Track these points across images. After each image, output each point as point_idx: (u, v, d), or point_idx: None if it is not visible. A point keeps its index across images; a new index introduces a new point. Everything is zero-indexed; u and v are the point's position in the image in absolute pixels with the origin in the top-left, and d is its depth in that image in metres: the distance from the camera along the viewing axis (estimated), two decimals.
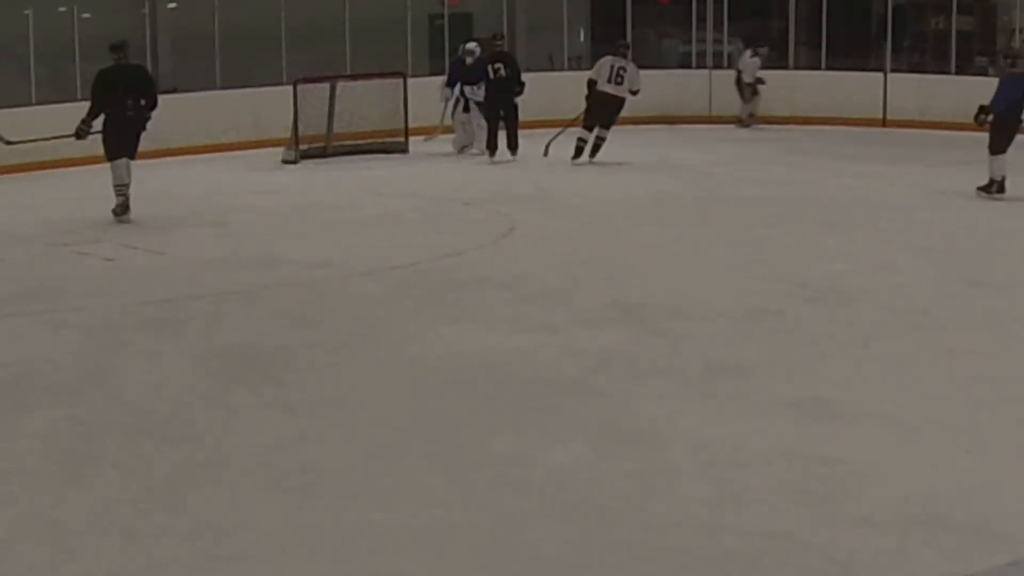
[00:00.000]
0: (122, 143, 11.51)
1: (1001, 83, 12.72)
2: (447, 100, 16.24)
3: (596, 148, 15.04)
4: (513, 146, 15.49)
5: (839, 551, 4.64)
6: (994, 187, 12.28)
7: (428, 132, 16.56)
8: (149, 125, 11.65)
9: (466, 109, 16.01)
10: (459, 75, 16.18)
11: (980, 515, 4.92)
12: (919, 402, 6.31)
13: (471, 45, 16.39)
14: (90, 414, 6.38)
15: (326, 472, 5.52)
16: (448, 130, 16.50)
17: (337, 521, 4.99)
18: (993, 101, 12.41)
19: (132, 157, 11.61)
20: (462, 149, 16.07)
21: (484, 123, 15.84)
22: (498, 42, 16.31)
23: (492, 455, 5.68)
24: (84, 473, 5.56)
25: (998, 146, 12.29)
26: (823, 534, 4.78)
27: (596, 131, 14.97)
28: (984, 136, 12.47)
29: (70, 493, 5.33)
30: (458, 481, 5.37)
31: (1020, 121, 12.50)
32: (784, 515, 4.97)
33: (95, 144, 14.38)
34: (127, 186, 11.52)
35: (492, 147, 15.41)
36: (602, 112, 14.94)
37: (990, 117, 12.37)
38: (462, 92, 16.02)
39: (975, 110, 12.47)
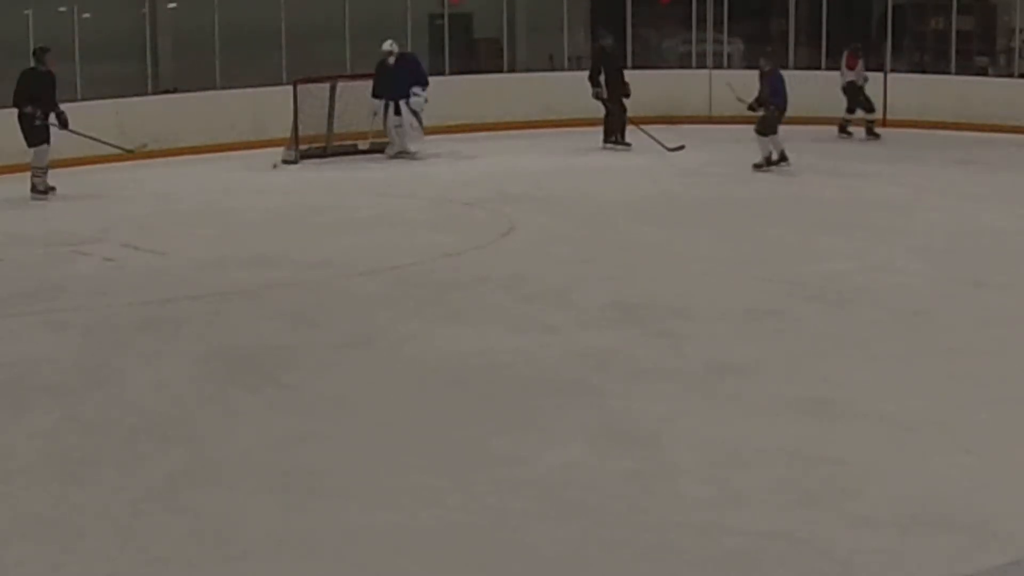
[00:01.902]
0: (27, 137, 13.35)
1: (771, 79, 14.77)
2: (375, 114, 15.86)
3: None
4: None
5: (839, 551, 4.64)
6: (766, 163, 14.24)
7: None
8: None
9: (397, 112, 15.76)
10: (383, 81, 15.75)
11: (980, 515, 4.92)
12: (919, 402, 6.31)
13: (388, 45, 15.86)
14: (90, 414, 6.39)
15: (326, 472, 5.52)
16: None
17: (337, 521, 4.99)
18: (776, 96, 14.53)
19: (35, 145, 13.24)
20: (397, 155, 15.79)
21: (417, 124, 15.65)
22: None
23: (492, 455, 5.68)
24: (84, 473, 5.56)
25: (769, 129, 14.36)
26: (823, 534, 4.78)
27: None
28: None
29: (70, 493, 5.33)
30: (458, 481, 5.37)
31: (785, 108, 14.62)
32: (784, 515, 4.97)
33: (95, 144, 14.44)
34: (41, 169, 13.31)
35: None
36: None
37: (761, 110, 14.49)
38: (389, 100, 15.71)
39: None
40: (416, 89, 15.66)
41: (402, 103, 15.66)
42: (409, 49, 17.00)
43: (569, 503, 5.13)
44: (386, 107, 15.77)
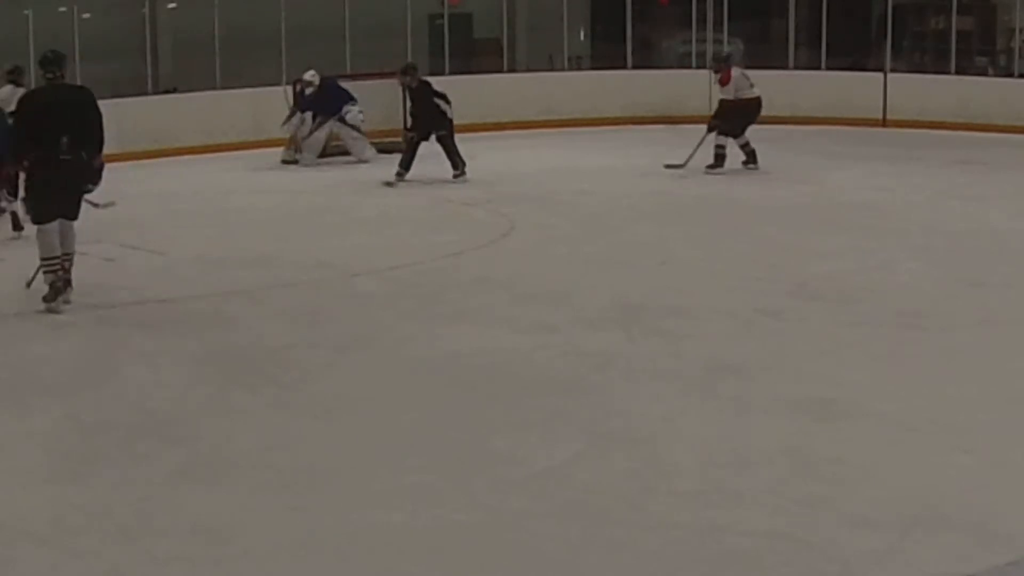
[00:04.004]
0: None
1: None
2: (296, 127, 15.67)
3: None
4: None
5: (839, 551, 4.64)
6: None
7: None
8: None
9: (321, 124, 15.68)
10: (307, 105, 15.66)
11: (980, 515, 4.92)
12: (919, 402, 6.31)
13: (309, 75, 15.59)
14: (90, 414, 6.39)
15: (326, 472, 5.52)
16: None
17: (337, 521, 4.99)
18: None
19: None
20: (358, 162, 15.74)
21: (357, 134, 15.59)
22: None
23: (492, 455, 5.68)
24: (84, 473, 5.56)
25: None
26: (823, 534, 4.78)
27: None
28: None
29: (70, 493, 5.33)
30: (458, 481, 5.37)
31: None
32: (784, 515, 4.97)
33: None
34: None
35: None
36: None
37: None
38: (314, 118, 15.61)
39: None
40: (349, 106, 15.66)
41: (336, 121, 15.65)
42: (409, 49, 17.01)
43: (569, 503, 5.13)
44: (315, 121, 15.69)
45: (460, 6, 20.27)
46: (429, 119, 14.11)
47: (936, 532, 4.80)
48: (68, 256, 8.58)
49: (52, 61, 8.60)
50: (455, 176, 14.02)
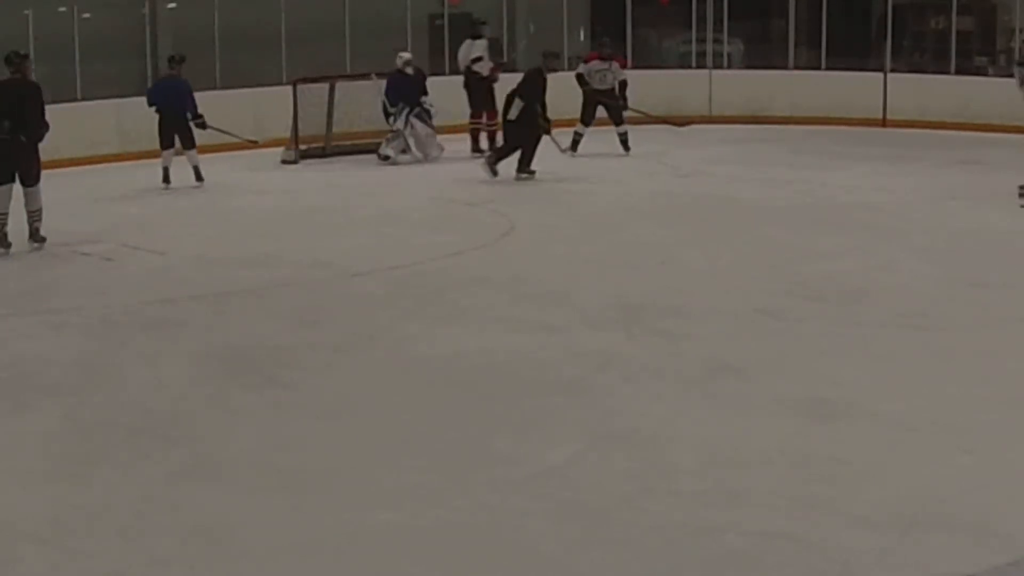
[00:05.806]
0: None
1: None
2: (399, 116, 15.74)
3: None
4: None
5: (839, 551, 4.65)
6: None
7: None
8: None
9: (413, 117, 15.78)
10: (402, 91, 15.65)
11: (980, 515, 4.93)
12: (919, 402, 6.31)
13: (408, 55, 15.90)
14: (90, 414, 6.39)
15: (326, 472, 5.52)
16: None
17: (337, 521, 4.99)
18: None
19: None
20: (424, 159, 15.78)
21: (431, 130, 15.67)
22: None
23: (492, 455, 5.69)
24: (84, 473, 5.56)
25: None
26: (823, 534, 4.79)
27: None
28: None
29: (70, 493, 5.33)
30: (458, 481, 5.38)
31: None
32: (784, 515, 4.97)
33: (96, 144, 14.42)
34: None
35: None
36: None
37: None
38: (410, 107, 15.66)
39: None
40: (424, 97, 15.78)
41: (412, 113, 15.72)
42: (409, 50, 16.99)
43: (569, 503, 5.13)
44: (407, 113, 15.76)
45: (460, 6, 20.24)
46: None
47: (936, 532, 4.80)
48: (2, 215, 10.42)
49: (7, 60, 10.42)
50: (518, 171, 13.93)
